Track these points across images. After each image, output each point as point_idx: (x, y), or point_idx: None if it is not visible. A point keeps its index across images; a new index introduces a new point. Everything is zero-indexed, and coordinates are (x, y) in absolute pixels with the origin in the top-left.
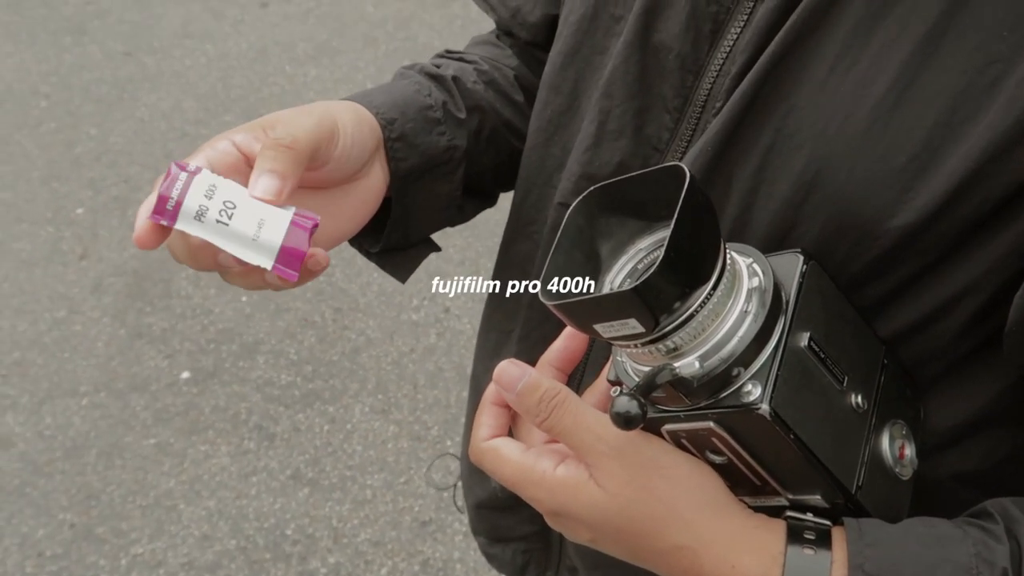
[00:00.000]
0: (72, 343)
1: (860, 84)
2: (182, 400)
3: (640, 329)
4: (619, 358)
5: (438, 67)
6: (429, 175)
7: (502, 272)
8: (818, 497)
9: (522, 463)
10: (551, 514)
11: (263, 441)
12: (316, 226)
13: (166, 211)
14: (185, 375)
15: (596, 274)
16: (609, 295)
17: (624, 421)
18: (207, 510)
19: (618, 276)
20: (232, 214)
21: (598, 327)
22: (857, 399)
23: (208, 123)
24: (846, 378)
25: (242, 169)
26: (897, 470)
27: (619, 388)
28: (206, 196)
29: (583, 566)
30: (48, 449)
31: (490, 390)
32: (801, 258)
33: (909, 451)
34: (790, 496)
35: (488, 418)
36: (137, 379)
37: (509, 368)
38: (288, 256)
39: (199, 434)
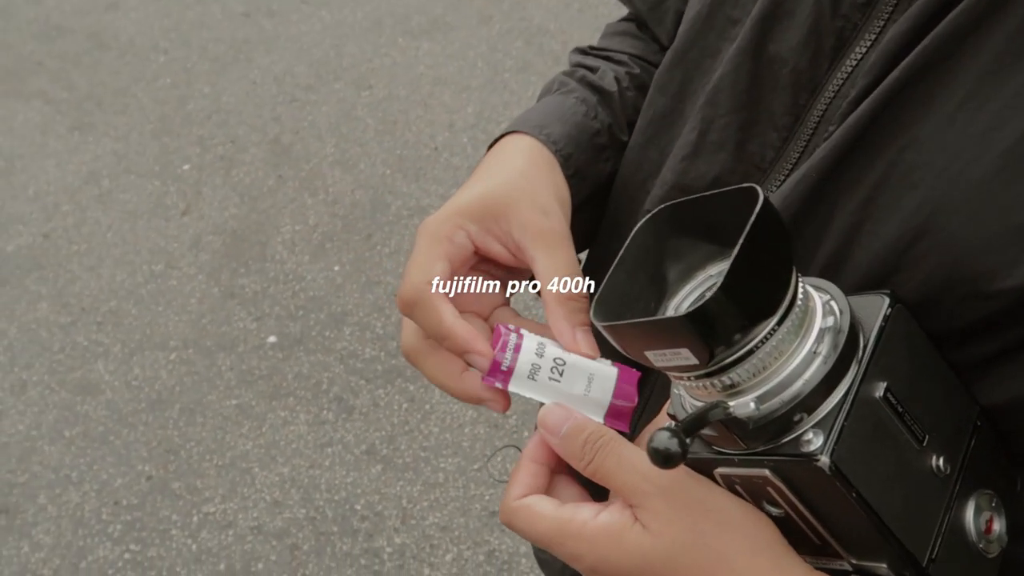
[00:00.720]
0: (167, 297)
1: (991, 126)
2: (267, 364)
3: (693, 361)
4: (676, 391)
5: (594, 71)
6: (591, 203)
7: (589, 273)
8: (884, 566)
9: (559, 516)
10: (590, 571)
11: (341, 413)
12: (641, 377)
13: (500, 372)
14: (272, 339)
15: (660, 298)
16: (660, 320)
17: (662, 459)
18: (280, 476)
19: (684, 302)
20: (563, 371)
21: (649, 355)
22: (938, 462)
23: (318, 89)
24: (927, 437)
25: (471, 261)
26: (981, 545)
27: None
28: (537, 354)
29: None
30: (134, 400)
31: (531, 446)
32: (887, 300)
33: (998, 525)
34: (853, 561)
35: (525, 475)
36: (225, 339)
37: (554, 411)
38: (617, 410)
39: (280, 400)
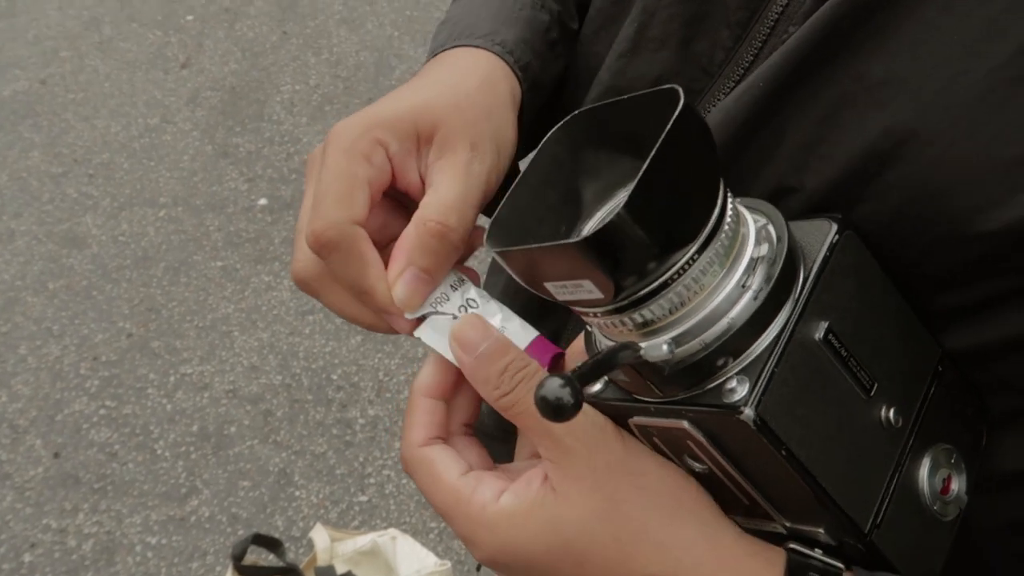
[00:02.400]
0: (160, 152)
1: (982, 37)
2: (255, 227)
3: (597, 294)
4: (588, 329)
5: None
6: (548, 106)
7: None
8: (821, 531)
9: (458, 488)
10: (491, 560)
11: None
12: (560, 355)
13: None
14: (262, 202)
15: (574, 221)
16: (554, 246)
17: (552, 411)
18: (260, 342)
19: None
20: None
21: (550, 287)
22: (889, 413)
23: None
24: (876, 385)
25: (384, 189)
26: (936, 508)
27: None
28: (452, 286)
29: None
30: (120, 255)
31: (422, 378)
32: (834, 226)
33: (957, 485)
34: (788, 524)
35: (422, 415)
36: (215, 198)
37: (473, 323)
38: None
39: (265, 264)
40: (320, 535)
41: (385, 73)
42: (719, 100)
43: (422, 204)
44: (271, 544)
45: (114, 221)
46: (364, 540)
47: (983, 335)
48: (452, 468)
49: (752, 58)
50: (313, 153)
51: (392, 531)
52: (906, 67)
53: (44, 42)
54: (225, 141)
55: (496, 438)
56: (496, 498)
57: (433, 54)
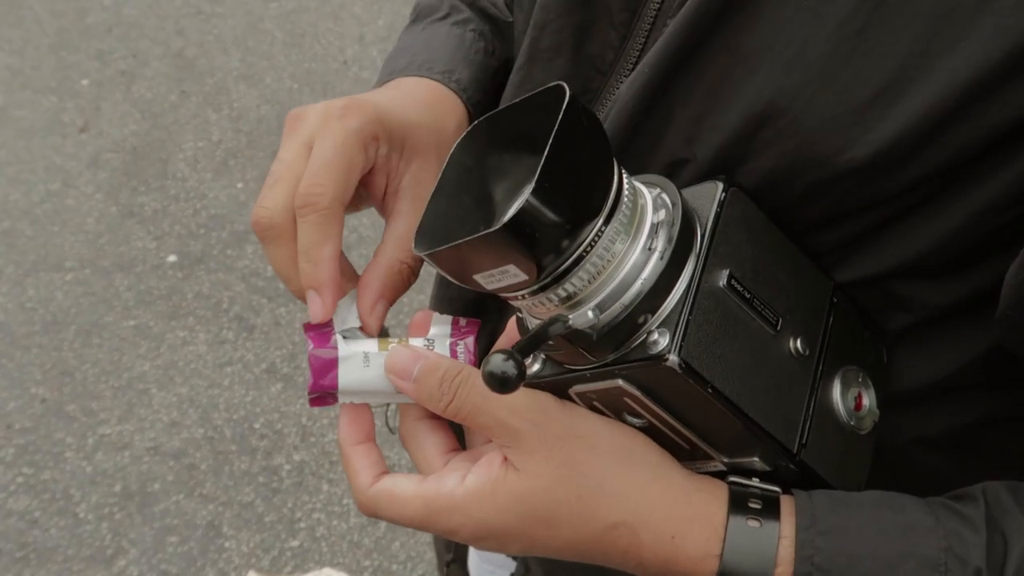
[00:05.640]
0: (63, 217)
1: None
2: (166, 284)
3: (522, 276)
4: (520, 314)
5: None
6: None
7: None
8: (756, 459)
9: (423, 494)
10: (474, 539)
11: (242, 332)
12: (480, 327)
13: (327, 398)
14: (172, 259)
15: (490, 220)
16: (476, 238)
17: (499, 383)
18: (178, 396)
19: None
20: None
21: (479, 279)
22: (796, 344)
23: (224, 1)
24: (781, 320)
25: None
26: (853, 423)
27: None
28: (364, 358)
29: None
30: (28, 322)
31: (344, 431)
32: (720, 185)
33: (867, 400)
34: (726, 460)
35: (361, 460)
36: (124, 259)
37: (401, 353)
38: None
39: (179, 319)
40: None
41: None
42: (615, 92)
43: (390, 237)
44: None
45: (20, 288)
46: None
47: (867, 265)
48: (410, 484)
49: (639, 53)
50: (302, 110)
51: (327, 570)
52: (771, 35)
53: None
54: (130, 201)
55: None
56: (461, 480)
57: (391, 75)
